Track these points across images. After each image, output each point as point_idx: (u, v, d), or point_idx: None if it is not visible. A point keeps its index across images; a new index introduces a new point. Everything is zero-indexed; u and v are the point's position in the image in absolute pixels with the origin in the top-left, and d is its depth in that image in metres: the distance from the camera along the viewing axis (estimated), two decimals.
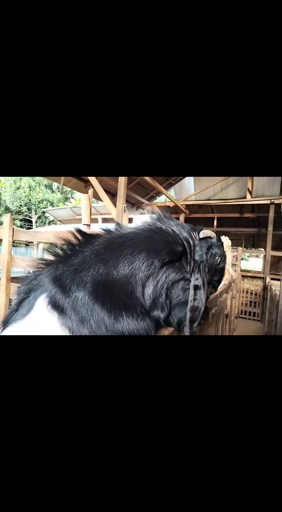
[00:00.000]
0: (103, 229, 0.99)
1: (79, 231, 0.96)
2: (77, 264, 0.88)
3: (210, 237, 1.09)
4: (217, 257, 1.10)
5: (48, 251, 0.91)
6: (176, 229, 1.04)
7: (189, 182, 8.16)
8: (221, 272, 1.17)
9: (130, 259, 0.92)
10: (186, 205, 7.79)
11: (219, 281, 1.20)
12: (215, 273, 1.14)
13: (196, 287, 0.99)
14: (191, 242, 1.05)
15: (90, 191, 2.95)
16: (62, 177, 5.62)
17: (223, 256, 1.14)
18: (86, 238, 0.95)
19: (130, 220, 2.79)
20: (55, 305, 0.85)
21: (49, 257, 0.92)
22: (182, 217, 7.58)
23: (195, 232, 1.08)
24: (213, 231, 1.17)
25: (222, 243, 1.15)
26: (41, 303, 0.87)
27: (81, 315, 0.82)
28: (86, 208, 2.81)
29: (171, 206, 7.59)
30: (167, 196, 7.08)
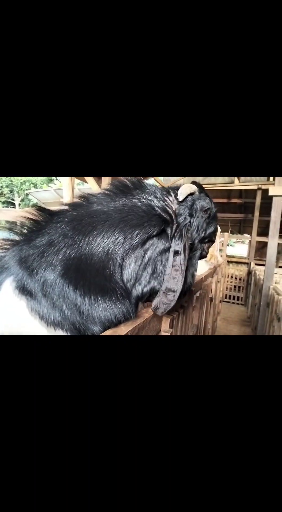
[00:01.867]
0: (66, 204, 0.89)
1: (40, 208, 0.86)
2: (44, 246, 0.80)
3: (190, 194, 1.01)
4: (206, 209, 1.03)
5: (12, 230, 0.81)
6: (153, 196, 0.96)
7: None
8: (213, 220, 1.09)
9: (105, 242, 0.84)
10: None
11: (215, 231, 1.12)
12: (209, 225, 1.07)
13: (176, 253, 0.93)
14: (172, 206, 0.98)
15: None
16: None
17: (212, 203, 1.07)
18: (49, 215, 0.86)
19: None
20: (24, 289, 0.77)
21: (14, 236, 0.82)
22: None
23: (173, 194, 1.00)
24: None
25: (205, 192, 1.07)
26: (8, 287, 0.79)
27: (52, 300, 0.75)
28: (68, 189, 2.66)
29: None
30: (155, 180, 6.91)
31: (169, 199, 0.97)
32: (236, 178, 6.76)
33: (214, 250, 3.09)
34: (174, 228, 0.96)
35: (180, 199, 0.98)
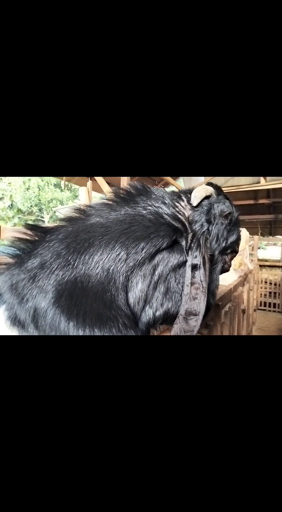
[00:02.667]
0: (62, 219, 0.79)
1: (32, 226, 0.76)
2: (35, 268, 0.69)
3: (207, 197, 0.85)
4: (226, 214, 0.86)
5: (3, 252, 0.72)
6: (160, 203, 0.81)
7: None
8: (235, 227, 0.92)
9: (104, 260, 0.71)
10: None
11: (238, 240, 0.95)
12: (230, 233, 0.90)
13: (194, 267, 0.78)
14: (185, 213, 0.82)
15: (89, 183, 2.76)
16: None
17: (233, 207, 0.90)
18: (42, 233, 0.75)
19: None
20: (15, 320, 0.67)
21: (7, 259, 0.73)
22: None
23: (185, 199, 0.84)
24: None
25: (224, 194, 0.90)
26: (1, 317, 0.69)
27: (44, 333, 0.64)
28: (86, 201, 2.63)
29: None
30: (175, 187, 6.78)
31: (181, 205, 0.83)
32: (262, 178, 6.35)
33: (243, 257, 2.82)
34: (190, 237, 0.81)
35: (194, 204, 0.83)
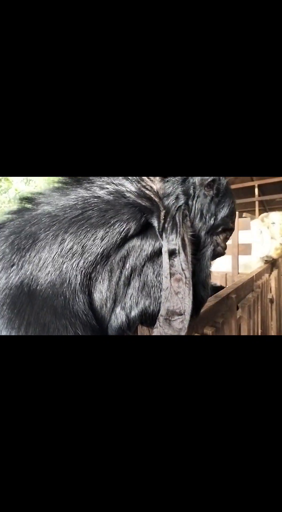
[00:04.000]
0: (10, 212, 0.64)
1: None
2: None
3: None
4: (209, 182, 0.67)
5: None
6: (122, 178, 0.64)
7: None
8: (226, 198, 0.72)
9: (53, 257, 0.57)
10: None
11: (231, 214, 0.75)
12: (219, 206, 0.71)
13: (172, 254, 0.61)
14: (153, 187, 0.64)
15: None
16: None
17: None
18: None
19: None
20: None
21: None
22: None
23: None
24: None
25: None
26: None
27: None
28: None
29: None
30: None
31: (148, 178, 0.64)
32: None
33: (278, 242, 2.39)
34: (162, 216, 0.62)
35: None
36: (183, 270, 0.61)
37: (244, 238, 2.26)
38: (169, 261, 0.61)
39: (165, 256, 0.61)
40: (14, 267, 0.57)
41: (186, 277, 0.60)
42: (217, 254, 0.77)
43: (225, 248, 0.78)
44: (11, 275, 0.56)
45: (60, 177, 0.65)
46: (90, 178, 0.63)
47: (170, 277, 0.61)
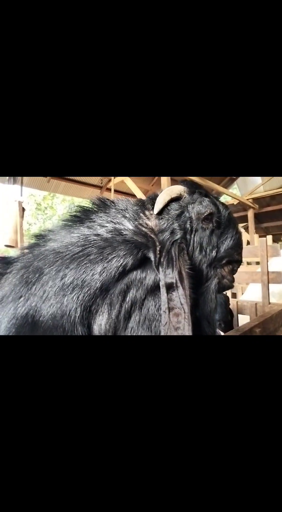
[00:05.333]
0: (25, 247, 0.71)
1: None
2: None
3: (175, 200, 0.67)
4: (206, 215, 0.68)
5: None
6: (121, 217, 0.68)
7: None
8: (228, 230, 0.73)
9: (55, 290, 0.61)
10: (254, 199, 6.70)
11: (237, 246, 0.74)
12: (222, 237, 0.72)
13: (170, 287, 0.61)
14: (148, 224, 0.66)
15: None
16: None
17: (217, 205, 0.71)
18: (5, 264, 0.69)
19: None
20: None
21: None
22: (250, 213, 6.54)
23: (151, 207, 0.68)
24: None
25: (201, 192, 0.71)
26: None
27: None
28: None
29: (235, 204, 6.68)
30: (228, 195, 6.30)
31: (145, 215, 0.67)
32: None
33: None
34: (158, 250, 0.64)
35: (155, 211, 0.67)
36: (181, 304, 0.60)
37: (274, 265, 2.12)
38: (167, 295, 0.61)
39: (162, 290, 0.61)
40: (22, 298, 0.62)
41: (184, 312, 0.59)
42: (223, 287, 0.75)
43: (232, 280, 0.76)
44: (18, 306, 0.62)
45: (67, 213, 0.72)
46: (92, 217, 0.68)
47: (168, 311, 0.61)
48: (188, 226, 0.67)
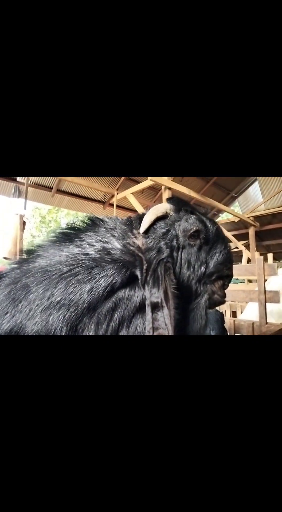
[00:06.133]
0: (15, 261, 0.71)
1: None
2: None
3: (161, 218, 0.67)
4: (192, 232, 0.68)
5: None
6: (110, 236, 0.68)
7: (254, 190, 7.17)
8: (217, 245, 0.72)
9: (42, 309, 0.61)
10: (255, 216, 6.75)
11: (227, 261, 0.73)
12: (210, 253, 0.71)
13: (155, 307, 0.60)
14: (136, 242, 0.66)
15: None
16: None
17: (204, 222, 0.70)
18: None
19: None
20: None
21: None
22: (251, 231, 6.56)
23: (139, 226, 0.68)
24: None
25: (188, 209, 0.71)
26: None
27: None
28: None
29: (236, 221, 6.72)
30: (229, 213, 6.36)
31: (133, 234, 0.68)
32: None
33: None
34: (144, 269, 0.63)
35: (141, 230, 0.67)
36: (166, 325, 0.59)
37: (273, 284, 2.09)
38: (152, 314, 0.59)
39: (148, 309, 0.60)
40: (8, 315, 0.62)
41: (168, 332, 0.58)
42: (214, 303, 0.75)
43: (223, 296, 0.75)
44: (3, 322, 0.61)
45: (57, 231, 0.73)
46: (81, 236, 0.69)
47: (153, 331, 0.59)
48: (174, 243, 0.67)
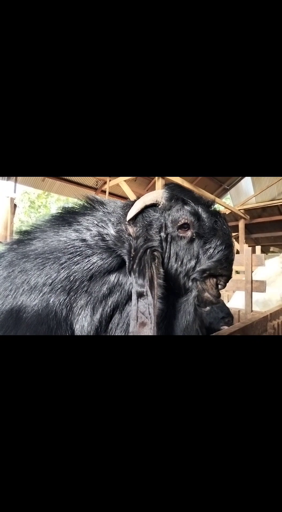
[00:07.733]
0: (12, 242, 0.71)
1: None
2: None
3: (151, 206, 0.67)
4: (181, 224, 0.66)
5: None
6: (107, 220, 0.69)
7: (246, 183, 7.23)
8: (213, 240, 0.68)
9: (44, 291, 0.62)
10: (245, 209, 6.85)
11: (223, 259, 0.68)
12: (204, 248, 0.67)
13: (140, 295, 0.59)
14: (128, 229, 0.67)
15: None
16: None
17: (193, 215, 0.67)
18: None
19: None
20: None
21: None
22: (241, 223, 6.67)
23: (124, 214, 0.68)
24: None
25: (182, 199, 0.68)
26: None
27: None
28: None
29: (227, 213, 6.80)
30: (220, 204, 6.41)
31: (125, 222, 0.68)
32: None
33: None
34: (131, 257, 0.64)
35: (128, 218, 0.66)
36: (149, 314, 0.59)
37: (260, 274, 2.18)
38: (137, 303, 0.60)
39: (134, 297, 0.61)
40: (9, 296, 0.63)
41: (151, 322, 0.58)
42: (204, 302, 0.70)
43: (215, 295, 0.70)
44: (5, 302, 0.62)
45: (57, 211, 0.73)
46: (79, 219, 0.69)
47: (136, 320, 0.60)
48: (163, 234, 0.66)
